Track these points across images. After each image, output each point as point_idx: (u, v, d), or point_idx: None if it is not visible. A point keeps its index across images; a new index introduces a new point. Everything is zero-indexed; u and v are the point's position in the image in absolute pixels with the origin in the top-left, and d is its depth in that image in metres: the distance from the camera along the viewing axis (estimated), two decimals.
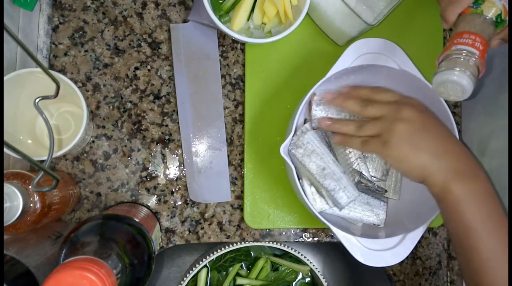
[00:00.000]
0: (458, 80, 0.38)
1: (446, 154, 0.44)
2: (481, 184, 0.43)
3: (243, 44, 0.61)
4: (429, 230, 0.63)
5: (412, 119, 0.45)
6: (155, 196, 0.59)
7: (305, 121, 0.57)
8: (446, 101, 0.51)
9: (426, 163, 0.44)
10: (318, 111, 0.53)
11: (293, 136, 0.51)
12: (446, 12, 0.43)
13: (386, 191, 0.55)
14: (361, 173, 0.53)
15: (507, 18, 0.38)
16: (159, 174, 0.59)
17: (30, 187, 0.44)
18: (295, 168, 0.50)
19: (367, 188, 0.55)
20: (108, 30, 0.59)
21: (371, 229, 0.54)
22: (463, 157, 0.45)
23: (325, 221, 0.48)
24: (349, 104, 0.50)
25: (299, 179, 0.51)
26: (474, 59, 0.38)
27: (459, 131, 0.61)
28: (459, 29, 0.39)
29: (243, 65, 0.61)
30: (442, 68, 0.39)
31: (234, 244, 0.60)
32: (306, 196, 0.50)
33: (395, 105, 0.47)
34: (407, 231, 0.50)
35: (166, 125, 0.60)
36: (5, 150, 0.45)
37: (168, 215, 0.59)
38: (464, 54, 0.38)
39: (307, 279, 0.67)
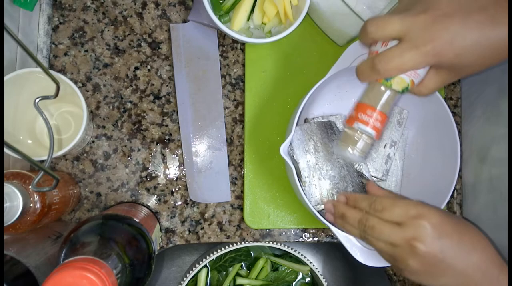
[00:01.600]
0: (352, 158, 0.42)
1: (469, 269, 0.40)
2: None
3: (243, 44, 0.61)
4: None
5: (426, 256, 0.39)
6: (155, 196, 0.59)
7: (305, 121, 0.57)
8: (446, 101, 0.51)
9: (447, 284, 0.41)
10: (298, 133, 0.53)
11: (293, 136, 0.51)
12: (361, 40, 0.42)
13: None
14: (361, 173, 0.53)
15: (413, 86, 0.40)
16: (159, 174, 0.59)
17: (30, 187, 0.44)
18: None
19: None
20: (108, 30, 0.59)
21: None
22: (487, 266, 0.41)
23: (325, 221, 0.48)
24: (348, 227, 0.45)
25: (299, 179, 0.51)
26: (371, 139, 0.41)
27: (459, 132, 0.61)
28: (366, 99, 0.41)
29: (243, 65, 0.61)
30: (342, 141, 0.43)
31: (234, 244, 0.60)
32: (306, 195, 0.50)
33: (404, 236, 0.40)
34: None
35: (166, 125, 0.60)
36: (5, 150, 0.45)
37: (168, 215, 0.59)
38: (363, 135, 0.41)
39: (307, 279, 0.67)
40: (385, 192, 0.49)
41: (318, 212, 0.50)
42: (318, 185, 0.52)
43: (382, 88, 0.40)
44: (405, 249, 0.40)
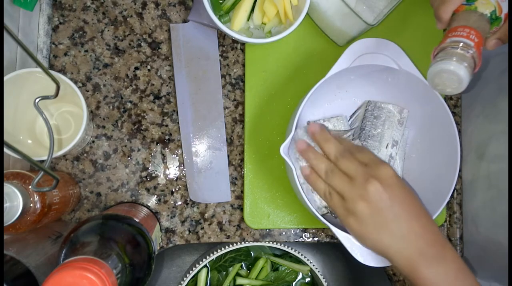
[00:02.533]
0: (455, 70, 0.37)
1: (413, 235, 0.42)
2: (451, 263, 0.42)
3: (243, 44, 0.61)
4: None
5: (380, 196, 0.42)
6: (155, 196, 0.59)
7: (308, 124, 0.57)
8: (446, 101, 0.51)
9: (390, 244, 0.42)
10: (300, 133, 0.52)
11: (294, 135, 0.51)
12: (439, 11, 0.42)
13: None
14: None
15: (502, 15, 0.38)
16: (159, 174, 0.59)
17: (30, 187, 0.44)
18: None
19: None
20: (108, 30, 0.59)
21: None
22: (432, 238, 0.43)
23: (325, 221, 0.48)
24: (327, 146, 0.48)
25: (299, 179, 0.51)
26: (470, 50, 0.37)
27: (459, 132, 0.61)
28: (453, 26, 0.39)
29: (243, 65, 0.61)
30: (438, 59, 0.39)
31: (234, 244, 0.60)
32: (306, 195, 0.50)
33: (365, 171, 0.44)
34: None
35: (166, 125, 0.60)
36: (5, 150, 0.45)
37: (168, 215, 0.59)
38: (460, 45, 0.37)
39: (307, 279, 0.67)
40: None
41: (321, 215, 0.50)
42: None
43: (469, 13, 0.37)
44: (361, 186, 0.43)
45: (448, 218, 0.62)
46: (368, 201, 0.43)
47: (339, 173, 0.45)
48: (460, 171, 0.55)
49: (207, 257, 0.59)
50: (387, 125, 0.54)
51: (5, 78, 0.46)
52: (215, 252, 0.59)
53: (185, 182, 0.60)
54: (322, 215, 0.51)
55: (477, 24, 0.38)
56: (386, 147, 0.55)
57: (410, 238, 0.42)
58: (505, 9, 0.38)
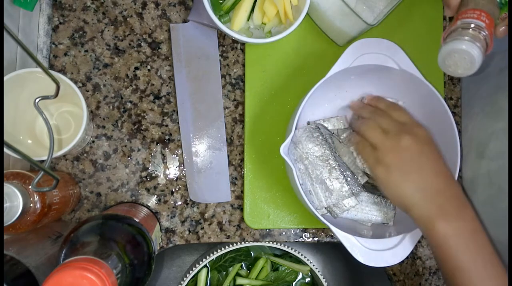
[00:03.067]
0: (467, 49, 0.36)
1: (435, 190, 0.44)
2: (468, 222, 0.43)
3: (243, 44, 0.61)
4: None
5: (410, 148, 0.45)
6: (155, 196, 0.59)
7: (308, 124, 0.57)
8: (446, 101, 0.51)
9: (412, 194, 0.44)
10: (299, 134, 0.54)
11: (293, 136, 0.51)
12: None
13: None
14: (368, 174, 0.53)
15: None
16: (159, 174, 0.59)
17: (30, 187, 0.44)
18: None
19: (374, 188, 0.55)
20: (108, 30, 0.59)
21: (381, 228, 0.54)
22: (452, 195, 0.45)
23: (325, 221, 0.48)
24: (363, 111, 0.52)
25: (299, 179, 0.51)
26: (482, 31, 0.37)
27: (459, 132, 0.61)
28: (462, 10, 0.39)
29: (243, 65, 0.61)
30: (449, 39, 0.38)
31: (234, 244, 0.60)
32: (306, 196, 0.50)
33: (401, 127, 0.47)
34: (409, 229, 0.50)
35: (166, 125, 0.60)
36: (5, 150, 0.45)
37: (168, 215, 0.59)
38: (472, 25, 0.37)
39: (307, 279, 0.67)
40: None
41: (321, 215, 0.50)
42: (313, 190, 0.52)
43: None
44: (394, 138, 0.46)
45: None
46: (398, 151, 0.45)
47: (375, 128, 0.48)
48: (460, 170, 0.55)
49: (207, 257, 0.59)
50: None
51: (5, 78, 0.46)
52: (215, 252, 0.59)
53: (185, 182, 0.60)
54: (322, 215, 0.51)
55: (488, 7, 0.38)
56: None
57: (431, 191, 0.44)
58: None
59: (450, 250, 0.42)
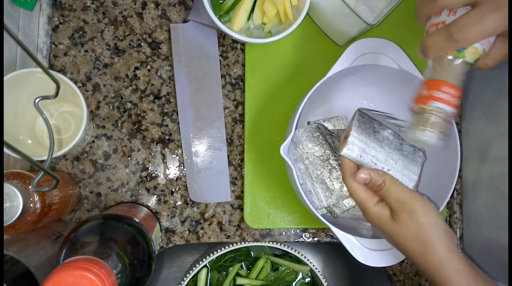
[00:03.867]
0: (429, 141, 0.39)
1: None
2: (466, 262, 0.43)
3: (243, 44, 0.61)
4: None
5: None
6: (155, 196, 0.59)
7: (308, 124, 0.57)
8: None
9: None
10: (300, 134, 0.52)
11: (293, 136, 0.51)
12: (418, 12, 0.40)
13: None
14: None
15: (483, 57, 0.38)
16: (159, 174, 0.59)
17: (30, 187, 0.44)
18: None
19: None
20: (108, 30, 0.59)
21: None
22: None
23: (325, 221, 0.48)
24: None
25: (299, 179, 0.51)
26: (448, 118, 0.38)
27: (459, 132, 0.61)
28: (437, 75, 0.38)
29: (243, 65, 0.61)
30: (413, 125, 0.40)
31: (234, 244, 0.60)
32: (306, 195, 0.50)
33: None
34: None
35: (166, 125, 0.60)
36: (5, 150, 0.45)
37: (168, 215, 0.59)
38: (440, 115, 0.38)
39: (307, 279, 0.67)
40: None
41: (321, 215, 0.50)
42: (313, 190, 0.52)
43: (453, 60, 0.37)
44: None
45: (448, 218, 0.62)
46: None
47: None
48: (460, 170, 0.55)
49: (207, 257, 0.59)
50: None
51: (5, 78, 0.46)
52: (215, 252, 0.59)
53: (185, 182, 0.60)
54: (322, 215, 0.51)
55: (460, 78, 0.38)
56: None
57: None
58: (487, 51, 0.38)
59: None
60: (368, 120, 0.49)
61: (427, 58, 0.39)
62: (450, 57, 0.37)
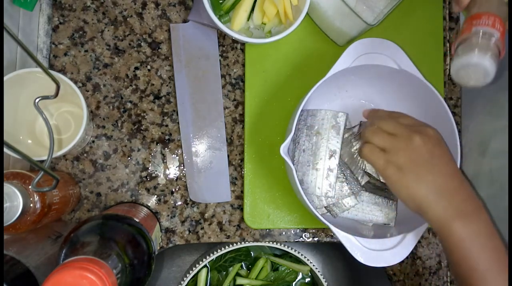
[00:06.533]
0: (481, 63, 0.36)
1: (449, 191, 0.43)
2: (483, 225, 0.42)
3: (243, 44, 0.61)
4: (429, 230, 0.63)
5: (421, 147, 0.44)
6: (155, 196, 0.59)
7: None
8: (446, 101, 0.51)
9: (426, 196, 0.43)
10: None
11: (293, 135, 0.51)
12: None
13: None
14: (369, 173, 0.53)
15: None
16: (159, 174, 0.59)
17: (30, 187, 0.44)
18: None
19: (376, 188, 0.55)
20: (108, 30, 0.59)
21: (382, 228, 0.54)
22: (467, 196, 0.44)
23: (325, 221, 0.48)
24: (369, 118, 0.52)
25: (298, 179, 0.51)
26: (494, 40, 0.36)
27: (459, 132, 0.61)
28: (474, 11, 0.38)
29: (243, 65, 0.61)
30: (460, 52, 0.38)
31: (234, 244, 0.60)
32: (306, 195, 0.50)
33: (410, 128, 0.46)
34: (410, 230, 0.50)
35: (166, 125, 0.60)
36: (5, 150, 0.45)
37: (168, 215, 0.59)
38: (485, 36, 0.36)
39: (307, 279, 0.67)
40: None
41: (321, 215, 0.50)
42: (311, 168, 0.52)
43: None
44: (404, 139, 0.45)
45: None
46: (410, 151, 0.44)
47: (382, 132, 0.47)
48: (460, 168, 0.55)
49: (207, 257, 0.59)
50: (322, 135, 0.53)
51: (5, 78, 0.46)
52: (215, 252, 0.59)
53: (185, 182, 0.60)
54: (322, 215, 0.51)
55: (500, 9, 0.37)
56: (323, 159, 0.52)
57: (447, 192, 0.43)
58: None
59: (466, 252, 0.42)
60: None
61: (462, 2, 0.39)
62: None
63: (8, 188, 0.41)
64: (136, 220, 0.47)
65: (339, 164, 0.52)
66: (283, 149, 0.48)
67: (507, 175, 0.51)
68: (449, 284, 0.63)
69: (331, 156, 0.52)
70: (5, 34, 0.36)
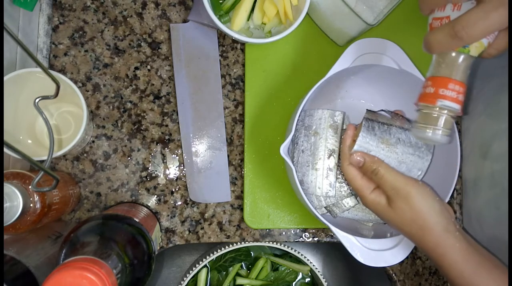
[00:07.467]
0: (440, 140, 0.39)
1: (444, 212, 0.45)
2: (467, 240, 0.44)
3: (243, 44, 0.61)
4: None
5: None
6: (155, 196, 0.59)
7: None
8: None
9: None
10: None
11: (292, 136, 0.51)
12: (423, 4, 0.40)
13: None
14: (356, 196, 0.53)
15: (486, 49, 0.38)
16: (159, 174, 0.59)
17: (30, 187, 0.44)
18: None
19: None
20: (108, 30, 0.59)
21: (382, 228, 0.54)
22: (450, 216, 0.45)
23: (325, 221, 0.48)
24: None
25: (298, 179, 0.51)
26: (456, 113, 0.38)
27: (459, 132, 0.61)
28: (442, 71, 0.38)
29: (243, 65, 0.61)
30: (421, 120, 0.40)
31: (234, 244, 0.60)
32: (306, 195, 0.50)
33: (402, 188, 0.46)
34: None
35: (166, 125, 0.60)
36: (5, 150, 0.45)
37: (168, 215, 0.59)
38: (446, 112, 0.38)
39: (307, 279, 0.67)
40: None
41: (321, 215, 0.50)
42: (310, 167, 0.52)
43: (458, 56, 0.37)
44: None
45: None
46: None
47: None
48: (460, 171, 0.55)
49: (207, 257, 0.59)
50: (320, 135, 0.52)
51: (5, 78, 0.46)
52: (215, 252, 0.59)
53: (185, 182, 0.60)
54: (322, 215, 0.51)
55: (466, 74, 0.38)
56: (322, 159, 0.52)
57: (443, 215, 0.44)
58: (491, 42, 0.37)
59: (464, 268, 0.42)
60: (376, 124, 0.49)
61: (431, 53, 0.39)
62: (454, 54, 0.37)
63: (8, 188, 0.41)
64: (136, 220, 0.47)
65: (338, 163, 0.52)
66: (283, 149, 0.48)
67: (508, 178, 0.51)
68: (449, 284, 0.63)
69: (330, 155, 0.52)
70: (5, 34, 0.36)
